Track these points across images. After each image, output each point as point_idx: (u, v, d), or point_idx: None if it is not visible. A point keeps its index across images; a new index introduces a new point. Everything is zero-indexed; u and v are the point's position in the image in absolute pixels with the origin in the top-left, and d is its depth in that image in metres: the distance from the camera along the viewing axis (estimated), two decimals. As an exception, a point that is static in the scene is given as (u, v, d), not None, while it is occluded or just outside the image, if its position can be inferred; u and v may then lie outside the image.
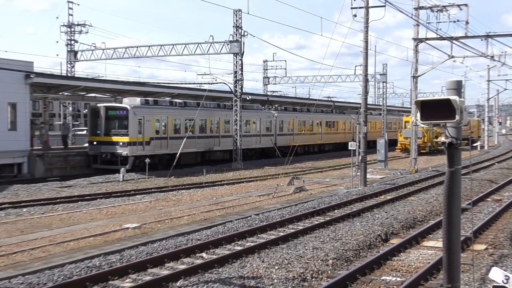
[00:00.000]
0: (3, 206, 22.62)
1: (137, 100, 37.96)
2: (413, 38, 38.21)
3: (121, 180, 32.25)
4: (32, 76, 34.24)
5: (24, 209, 21.98)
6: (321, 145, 61.63)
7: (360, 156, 29.28)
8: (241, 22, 42.22)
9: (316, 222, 18.25)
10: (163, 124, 38.81)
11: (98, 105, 37.86)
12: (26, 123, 34.39)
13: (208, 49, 43.58)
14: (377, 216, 19.50)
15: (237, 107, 43.57)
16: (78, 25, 50.64)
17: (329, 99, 68.87)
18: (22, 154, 33.46)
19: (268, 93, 67.46)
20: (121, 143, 35.89)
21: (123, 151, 35.80)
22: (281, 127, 53.29)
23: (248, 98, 48.30)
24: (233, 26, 42.34)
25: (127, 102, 37.69)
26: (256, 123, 49.35)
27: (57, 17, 51.26)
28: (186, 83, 50.36)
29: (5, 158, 32.41)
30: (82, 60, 50.36)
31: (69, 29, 50.57)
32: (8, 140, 32.52)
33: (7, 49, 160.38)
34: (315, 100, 69.70)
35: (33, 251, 14.29)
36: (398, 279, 12.00)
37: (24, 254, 14.02)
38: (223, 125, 45.11)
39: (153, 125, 37.72)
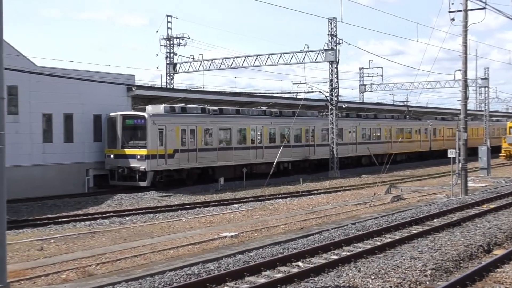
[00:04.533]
0: (107, 214, 23.64)
1: (161, 108, 34.23)
2: (516, 41, 36.74)
3: (218, 189, 32.86)
4: (133, 88, 35.65)
5: (127, 218, 22.88)
6: (392, 155, 52.90)
7: (460, 164, 28.44)
8: (335, 30, 42.24)
9: (414, 232, 17.88)
10: (191, 134, 34.26)
11: (114, 113, 33.64)
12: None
13: (304, 58, 43.73)
14: (479, 225, 18.86)
15: (333, 116, 43.41)
16: (176, 38, 52.23)
17: (403, 104, 64.94)
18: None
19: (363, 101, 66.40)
20: (138, 157, 31.94)
21: (141, 166, 31.79)
22: (341, 136, 46.83)
23: (344, 106, 48.00)
24: (328, 35, 42.38)
25: (149, 110, 34.15)
26: (309, 132, 44.03)
27: (157, 31, 52.98)
28: (281, 92, 50.62)
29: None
30: (181, 72, 51.82)
31: (168, 42, 52.22)
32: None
33: (110, 63, 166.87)
34: (385, 105, 66.40)
35: (135, 258, 14.81)
36: (501, 291, 11.57)
37: (127, 261, 14.56)
38: (267, 135, 40.33)
39: (178, 136, 33.34)
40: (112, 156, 32.79)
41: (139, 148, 32.09)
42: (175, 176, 33.61)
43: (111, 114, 33.36)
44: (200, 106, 37.37)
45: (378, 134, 53.14)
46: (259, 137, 39.54)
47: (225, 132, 36.95)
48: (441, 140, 62.21)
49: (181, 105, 36.59)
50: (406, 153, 56.84)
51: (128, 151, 32.37)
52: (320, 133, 44.94)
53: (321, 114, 47.78)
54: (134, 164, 31.95)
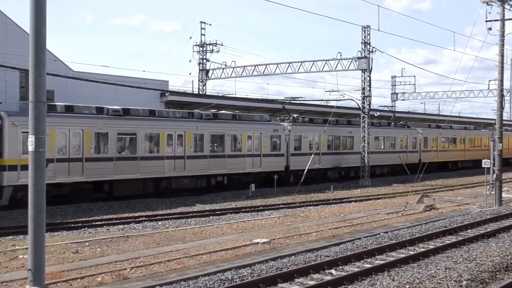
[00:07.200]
0: (140, 219, 23.86)
1: None
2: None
3: (249, 195, 32.93)
4: (167, 94, 36.08)
5: (159, 222, 23.05)
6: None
7: (494, 174, 28.12)
8: (369, 38, 42.12)
9: (448, 242, 17.72)
10: (75, 139, 27.70)
11: None
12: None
13: (336, 66, 43.69)
14: (514, 237, 18.64)
15: (365, 124, 43.24)
16: (209, 44, 52.69)
17: (389, 109, 59.07)
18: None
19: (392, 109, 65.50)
20: None
21: None
22: (298, 145, 40.09)
23: (376, 115, 47.78)
24: (361, 42, 42.30)
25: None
26: (253, 139, 36.45)
27: (190, 37, 53.48)
28: (313, 100, 50.60)
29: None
30: (213, 78, 52.18)
31: (201, 49, 52.68)
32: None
33: (144, 68, 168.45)
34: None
35: (169, 263, 14.93)
36: (538, 304, 11.41)
37: (161, 265, 14.68)
38: (190, 141, 32.82)
39: (53, 141, 26.56)
40: None
41: None
42: (53, 192, 26.23)
43: None
44: (95, 106, 29.66)
45: (351, 142, 45.19)
46: (178, 145, 32.26)
47: (127, 138, 30.16)
48: (434, 151, 54.29)
49: (65, 103, 28.93)
50: (387, 166, 49.10)
51: None
52: (269, 141, 37.81)
53: (277, 119, 43.30)
54: None
